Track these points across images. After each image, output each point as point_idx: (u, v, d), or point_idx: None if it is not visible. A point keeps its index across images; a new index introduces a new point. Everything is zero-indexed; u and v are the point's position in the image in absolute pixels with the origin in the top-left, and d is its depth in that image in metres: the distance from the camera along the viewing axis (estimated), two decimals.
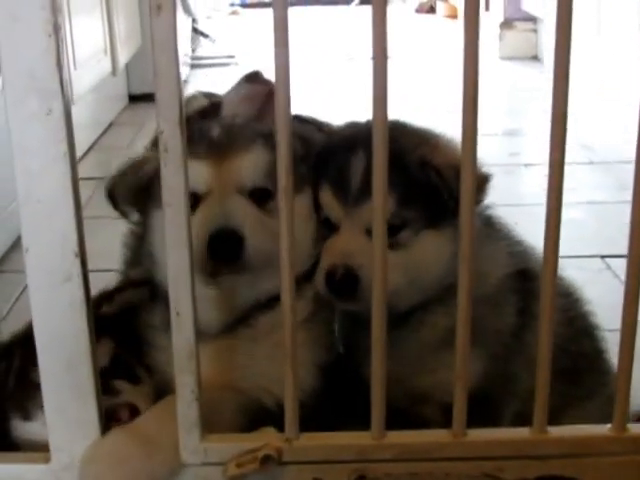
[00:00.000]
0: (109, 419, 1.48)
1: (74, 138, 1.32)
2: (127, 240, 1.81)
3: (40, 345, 1.40)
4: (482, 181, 1.57)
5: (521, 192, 4.01)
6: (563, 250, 3.27)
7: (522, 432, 1.48)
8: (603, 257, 3.20)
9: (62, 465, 1.46)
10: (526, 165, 4.28)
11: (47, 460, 1.47)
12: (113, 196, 1.65)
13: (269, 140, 1.56)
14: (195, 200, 1.55)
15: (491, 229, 1.72)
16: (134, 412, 1.51)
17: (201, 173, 1.56)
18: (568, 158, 4.32)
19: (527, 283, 1.65)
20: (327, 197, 1.61)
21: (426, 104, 5.56)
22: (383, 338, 1.41)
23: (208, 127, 1.64)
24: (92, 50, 4.65)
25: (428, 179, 1.55)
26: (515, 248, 1.75)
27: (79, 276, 1.36)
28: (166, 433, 1.44)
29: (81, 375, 1.41)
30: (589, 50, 5.71)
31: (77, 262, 1.35)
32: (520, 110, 5.72)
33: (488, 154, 4.75)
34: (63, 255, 1.35)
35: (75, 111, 3.24)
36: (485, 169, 1.57)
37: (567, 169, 4.59)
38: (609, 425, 1.48)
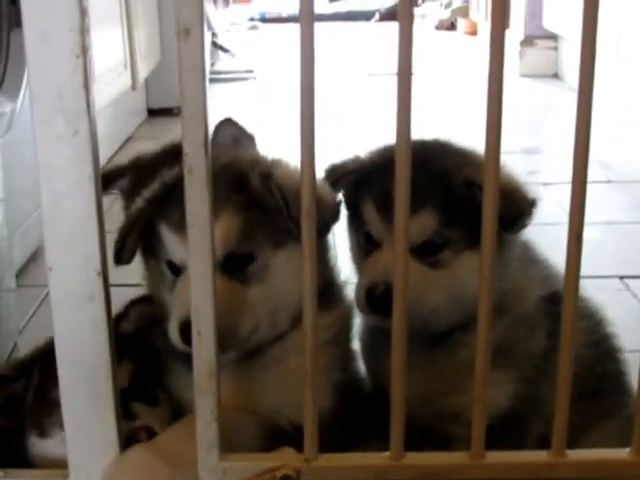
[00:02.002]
0: (128, 442, 1.48)
1: (99, 159, 1.34)
2: None
3: (61, 363, 1.42)
4: (530, 205, 1.59)
5: (540, 211, 4.04)
6: (581, 270, 3.28)
7: (540, 455, 1.48)
8: (622, 278, 3.19)
9: None
10: (545, 184, 4.23)
11: (65, 477, 1.48)
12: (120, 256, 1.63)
13: (244, 195, 1.53)
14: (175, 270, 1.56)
15: (528, 252, 1.73)
16: (151, 435, 1.52)
17: (177, 247, 1.53)
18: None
19: (557, 306, 1.66)
20: (370, 213, 1.62)
21: (447, 120, 5.57)
22: (403, 360, 1.42)
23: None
24: (112, 64, 4.68)
25: (473, 199, 1.54)
26: (548, 271, 1.76)
27: (101, 296, 1.38)
28: (187, 450, 1.45)
29: (102, 393, 1.42)
30: (608, 73, 5.72)
31: (100, 282, 1.37)
32: (539, 128, 5.70)
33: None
34: (86, 275, 1.36)
35: None
36: (532, 193, 1.58)
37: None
38: (627, 449, 1.48)
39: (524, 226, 1.63)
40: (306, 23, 1.26)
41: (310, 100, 1.29)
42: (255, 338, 1.55)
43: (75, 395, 1.43)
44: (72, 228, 1.34)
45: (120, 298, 1.65)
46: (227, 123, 1.96)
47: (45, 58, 1.27)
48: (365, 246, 1.65)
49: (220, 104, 6.49)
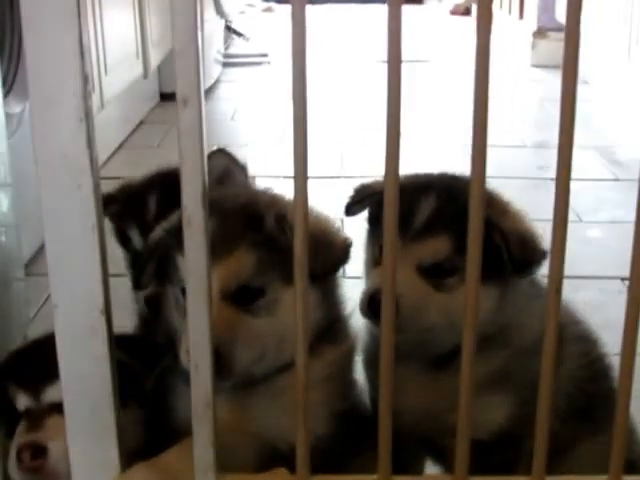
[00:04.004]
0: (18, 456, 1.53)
1: (102, 210, 1.41)
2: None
3: (67, 392, 1.48)
4: (542, 255, 1.65)
5: (548, 207, 4.02)
6: (582, 270, 3.33)
7: None
8: (623, 279, 3.20)
9: None
10: (553, 180, 4.21)
11: None
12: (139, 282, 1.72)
13: (259, 233, 1.60)
14: None
15: (532, 287, 1.77)
16: (38, 454, 1.54)
17: None
18: (593, 174, 4.42)
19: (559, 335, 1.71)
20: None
21: (459, 108, 5.58)
22: (391, 386, 1.46)
23: None
24: (124, 54, 4.71)
25: (490, 239, 1.59)
26: None
27: (104, 332, 1.45)
28: (186, 471, 1.50)
29: (104, 421, 1.49)
30: (620, 75, 5.74)
31: (102, 319, 1.44)
32: (550, 121, 5.62)
33: (516, 167, 4.76)
34: (89, 313, 1.43)
35: (105, 110, 3.30)
36: (545, 244, 1.61)
37: (591, 185, 4.63)
38: (605, 477, 1.53)
39: (534, 272, 1.69)
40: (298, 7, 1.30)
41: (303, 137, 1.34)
42: (261, 367, 1.60)
43: (79, 422, 1.49)
44: (76, 272, 1.41)
45: None
46: (219, 153, 2.01)
47: (50, 122, 1.34)
48: (378, 258, 1.71)
49: (233, 90, 6.52)
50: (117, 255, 2.00)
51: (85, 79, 1.32)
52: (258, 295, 1.59)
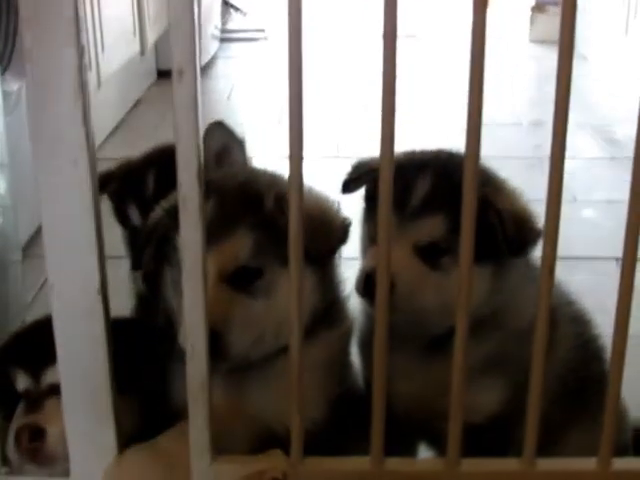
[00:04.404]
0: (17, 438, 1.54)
1: (98, 188, 1.42)
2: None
3: (64, 374, 1.50)
4: (537, 235, 1.64)
5: (544, 187, 4.01)
6: (576, 251, 3.31)
7: (512, 463, 1.56)
8: (618, 260, 3.16)
9: None
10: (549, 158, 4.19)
11: (67, 476, 1.58)
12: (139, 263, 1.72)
13: (258, 214, 1.59)
14: None
15: (527, 269, 1.77)
16: (36, 436, 1.55)
17: None
18: (589, 153, 4.39)
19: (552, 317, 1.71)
20: None
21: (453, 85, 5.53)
22: (384, 370, 1.49)
23: None
24: (121, 32, 4.70)
25: (486, 218, 1.60)
26: None
27: (100, 312, 1.46)
28: (182, 453, 1.52)
29: (101, 402, 1.51)
30: (617, 50, 5.72)
31: (99, 299, 1.45)
32: (547, 99, 5.55)
33: (511, 146, 4.71)
34: (86, 292, 1.45)
35: (102, 90, 3.25)
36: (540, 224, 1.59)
37: (586, 164, 4.59)
38: (595, 459, 1.55)
39: (528, 253, 1.70)
40: None
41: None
42: (258, 350, 1.60)
43: (76, 403, 1.52)
44: (72, 251, 1.42)
45: None
46: (217, 127, 1.98)
47: (46, 95, 1.35)
48: (374, 236, 1.71)
49: (230, 67, 6.49)
50: (114, 237, 2.00)
51: (81, 51, 1.32)
52: (256, 276, 1.58)
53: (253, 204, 1.61)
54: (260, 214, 1.59)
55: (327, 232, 1.63)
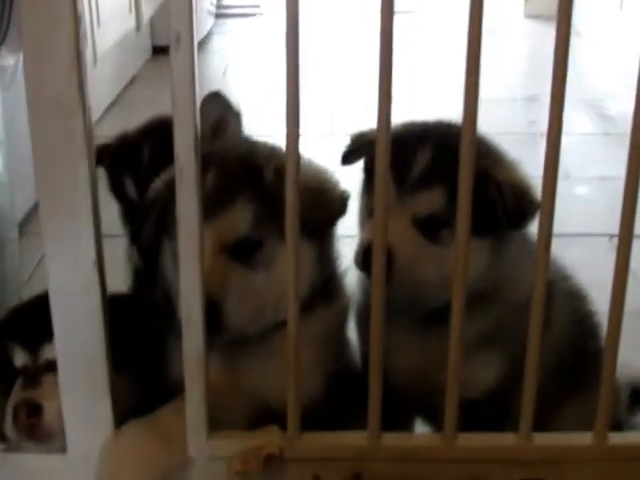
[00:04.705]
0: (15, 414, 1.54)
1: (95, 158, 1.42)
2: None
3: (60, 348, 1.50)
4: (536, 207, 1.62)
5: (537, 163, 4.00)
6: (569, 228, 3.31)
7: (508, 438, 1.57)
8: (611, 237, 3.15)
9: (78, 457, 1.56)
10: (543, 134, 4.13)
11: (63, 452, 1.58)
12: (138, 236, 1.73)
13: (258, 186, 1.60)
14: None
15: (524, 242, 1.76)
16: (34, 412, 1.55)
17: None
18: (582, 129, 4.37)
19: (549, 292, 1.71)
20: None
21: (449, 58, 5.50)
22: (381, 344, 1.50)
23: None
24: (116, 7, 4.68)
25: (485, 191, 1.60)
26: None
27: (97, 285, 1.46)
28: (179, 429, 1.53)
29: (97, 377, 1.51)
30: (612, 25, 5.70)
31: (95, 272, 1.45)
32: (542, 74, 5.49)
33: (505, 122, 4.69)
34: (82, 266, 1.44)
35: (97, 67, 3.23)
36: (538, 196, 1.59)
37: (579, 140, 4.57)
38: (590, 433, 1.56)
39: (527, 225, 1.68)
40: None
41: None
42: (257, 323, 1.60)
43: (73, 378, 1.51)
44: (69, 222, 1.42)
45: None
46: (214, 98, 1.97)
47: (42, 64, 1.35)
48: (373, 209, 1.70)
49: (225, 43, 6.46)
50: (110, 216, 1.99)
51: (77, 19, 1.32)
52: (256, 248, 1.59)
53: (253, 176, 1.61)
54: (260, 186, 1.59)
55: (326, 204, 1.63)
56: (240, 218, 1.57)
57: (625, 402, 2.07)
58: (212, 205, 1.52)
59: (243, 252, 1.58)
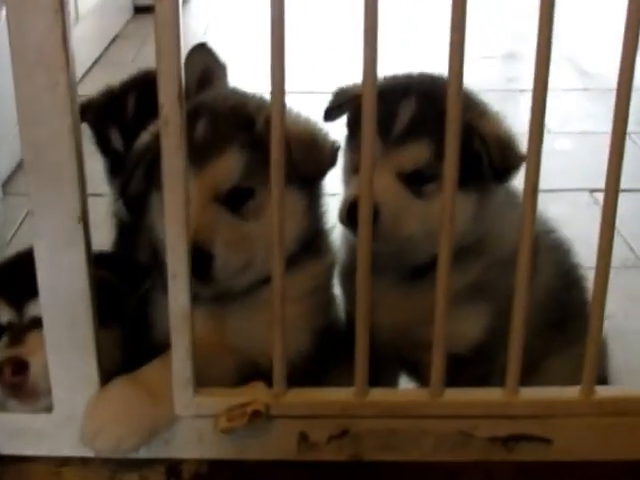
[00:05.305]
0: None
1: (78, 110, 1.39)
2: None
3: (45, 306, 1.49)
4: (522, 159, 1.62)
5: (516, 120, 3.99)
6: (550, 183, 3.31)
7: (495, 393, 1.57)
8: (592, 191, 3.16)
9: (64, 416, 1.55)
10: (522, 91, 4.10)
11: (49, 411, 1.56)
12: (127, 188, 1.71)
13: (249, 136, 1.59)
14: None
15: (508, 197, 1.76)
16: (19, 369, 1.53)
17: None
18: (561, 84, 4.34)
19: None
20: None
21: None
22: (368, 301, 1.49)
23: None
24: None
25: (470, 144, 1.60)
26: None
27: (82, 241, 1.44)
28: (165, 385, 1.52)
29: (83, 334, 1.50)
30: None
31: (80, 228, 1.43)
32: (524, 32, 5.26)
33: (484, 79, 4.65)
34: (67, 220, 1.42)
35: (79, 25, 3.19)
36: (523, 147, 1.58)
37: (559, 95, 4.53)
38: (578, 387, 1.56)
39: (512, 178, 1.68)
40: None
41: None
42: (246, 275, 1.60)
43: (58, 335, 1.50)
44: (53, 176, 1.40)
45: None
46: (200, 50, 1.97)
47: (26, 15, 1.32)
48: (358, 165, 1.69)
49: (205, 6, 6.41)
50: (93, 174, 1.97)
51: None
52: (247, 197, 1.59)
53: (244, 125, 1.61)
54: (251, 135, 1.59)
55: (317, 154, 1.64)
56: (232, 166, 1.58)
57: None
58: (203, 153, 1.52)
59: (234, 201, 1.58)
